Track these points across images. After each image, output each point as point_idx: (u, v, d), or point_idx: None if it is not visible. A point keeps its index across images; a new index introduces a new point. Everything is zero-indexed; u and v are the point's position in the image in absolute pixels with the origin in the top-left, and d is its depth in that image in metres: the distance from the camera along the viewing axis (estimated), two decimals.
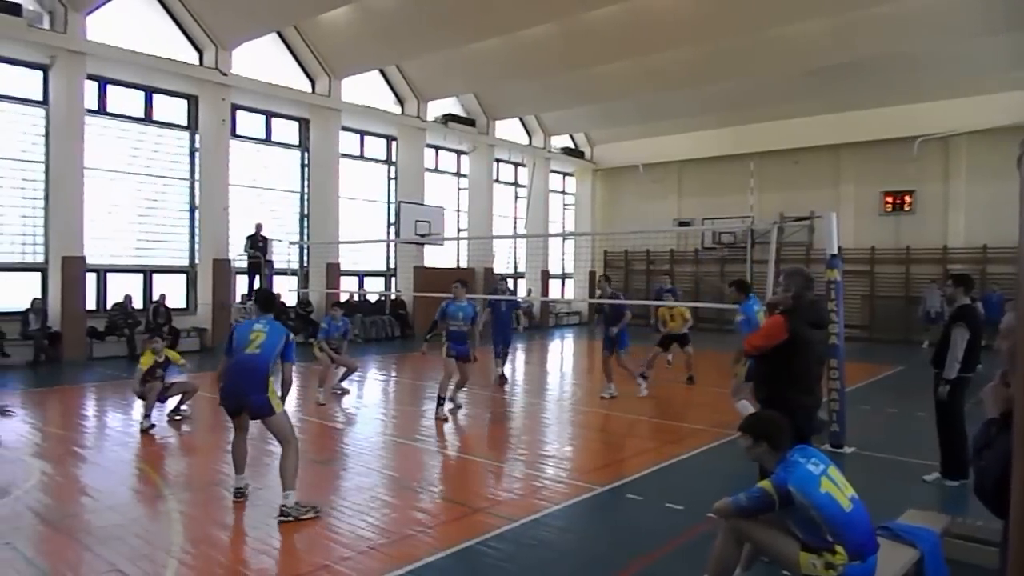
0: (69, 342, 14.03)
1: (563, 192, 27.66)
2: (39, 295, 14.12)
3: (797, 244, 20.91)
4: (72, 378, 12.38)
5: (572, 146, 27.00)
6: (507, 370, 12.77)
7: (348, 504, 5.76)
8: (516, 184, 25.51)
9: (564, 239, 27.68)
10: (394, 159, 21.17)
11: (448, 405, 9.42)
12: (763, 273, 8.77)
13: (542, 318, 24.71)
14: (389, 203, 20.98)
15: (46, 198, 14.39)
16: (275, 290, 15.99)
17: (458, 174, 23.38)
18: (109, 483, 6.48)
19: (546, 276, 25.32)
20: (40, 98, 14.38)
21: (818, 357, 4.99)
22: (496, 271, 22.25)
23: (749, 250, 9.47)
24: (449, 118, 21.71)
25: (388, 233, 20.79)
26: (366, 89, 19.86)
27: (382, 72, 20.31)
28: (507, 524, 5.27)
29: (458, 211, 23.14)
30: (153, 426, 8.33)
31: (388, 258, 21.29)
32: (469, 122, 22.44)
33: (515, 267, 25.19)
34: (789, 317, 4.71)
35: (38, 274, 14.39)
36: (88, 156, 14.59)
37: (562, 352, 18.87)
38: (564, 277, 27.16)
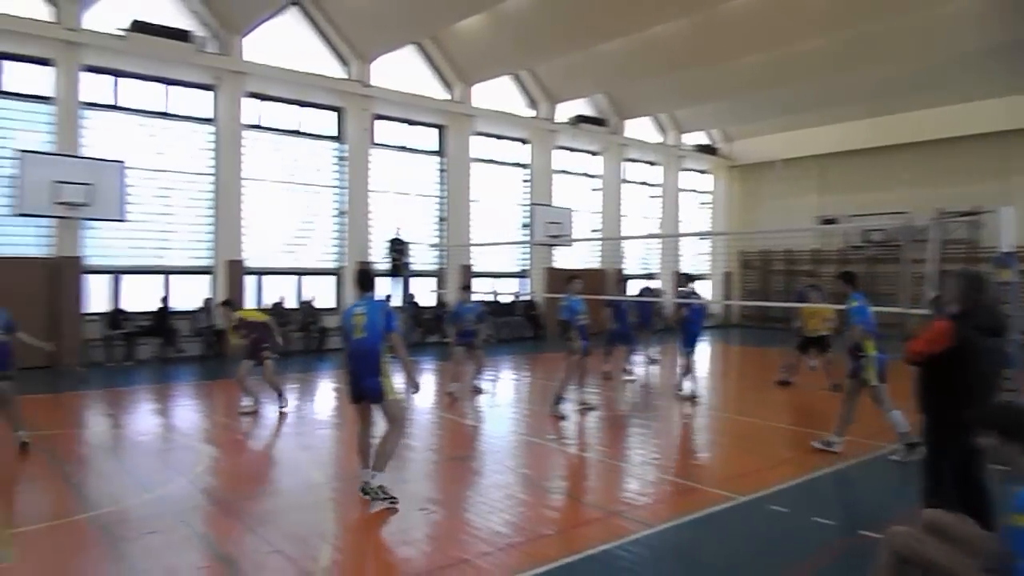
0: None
1: (697, 191, 26.88)
2: (208, 295, 15.55)
3: (959, 242, 19.14)
4: (235, 372, 13.46)
5: (707, 142, 26.20)
6: (638, 371, 12.68)
7: (484, 500, 5.89)
8: (647, 184, 25.10)
9: (700, 239, 26.90)
10: (526, 162, 21.45)
11: (567, 404, 9.43)
12: (920, 274, 8.13)
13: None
14: (522, 205, 21.29)
15: (214, 207, 15.79)
16: (412, 290, 16.73)
17: (588, 175, 23.32)
18: (269, 470, 7.01)
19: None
20: (209, 116, 15.81)
21: (994, 367, 4.55)
22: (624, 272, 21.99)
23: (906, 249, 8.78)
24: (580, 119, 21.73)
25: (521, 235, 21.11)
26: (500, 94, 20.28)
27: (515, 76, 20.65)
28: (644, 529, 5.19)
29: (588, 212, 23.08)
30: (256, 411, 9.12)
31: (521, 260, 21.62)
32: (600, 122, 22.35)
33: (646, 268, 24.78)
34: (957, 323, 4.32)
35: (207, 276, 15.83)
36: (247, 168, 15.91)
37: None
38: (698, 278, 26.37)
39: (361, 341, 5.62)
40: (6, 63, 13.52)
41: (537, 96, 21.09)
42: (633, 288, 17.66)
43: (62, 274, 13.54)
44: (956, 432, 4.07)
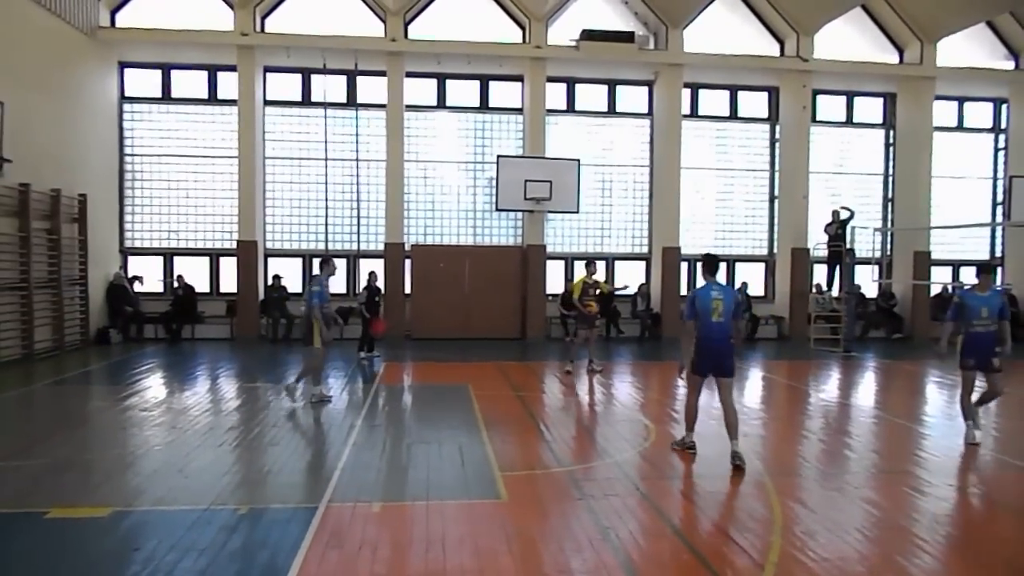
0: (667, 322, 16.03)
1: None
2: (644, 281, 16.57)
3: None
4: (668, 355, 14.10)
5: None
6: None
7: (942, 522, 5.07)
8: None
9: None
10: (1004, 126, 17.87)
11: None
12: None
13: None
14: (996, 179, 17.86)
15: (650, 197, 16.74)
16: (856, 280, 15.38)
17: None
18: (708, 451, 7.09)
19: None
20: (645, 110, 16.77)
21: None
22: None
23: None
24: None
25: (994, 215, 17.73)
26: (964, 48, 17.21)
27: (988, 23, 17.28)
28: None
29: None
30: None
31: (993, 245, 18.15)
32: None
33: None
34: None
35: (643, 263, 16.89)
36: (682, 156, 16.38)
37: None
38: None
39: (721, 325, 6.36)
40: (491, 83, 16.35)
41: (1021, 43, 17.32)
42: None
43: (528, 260, 15.86)
44: None
